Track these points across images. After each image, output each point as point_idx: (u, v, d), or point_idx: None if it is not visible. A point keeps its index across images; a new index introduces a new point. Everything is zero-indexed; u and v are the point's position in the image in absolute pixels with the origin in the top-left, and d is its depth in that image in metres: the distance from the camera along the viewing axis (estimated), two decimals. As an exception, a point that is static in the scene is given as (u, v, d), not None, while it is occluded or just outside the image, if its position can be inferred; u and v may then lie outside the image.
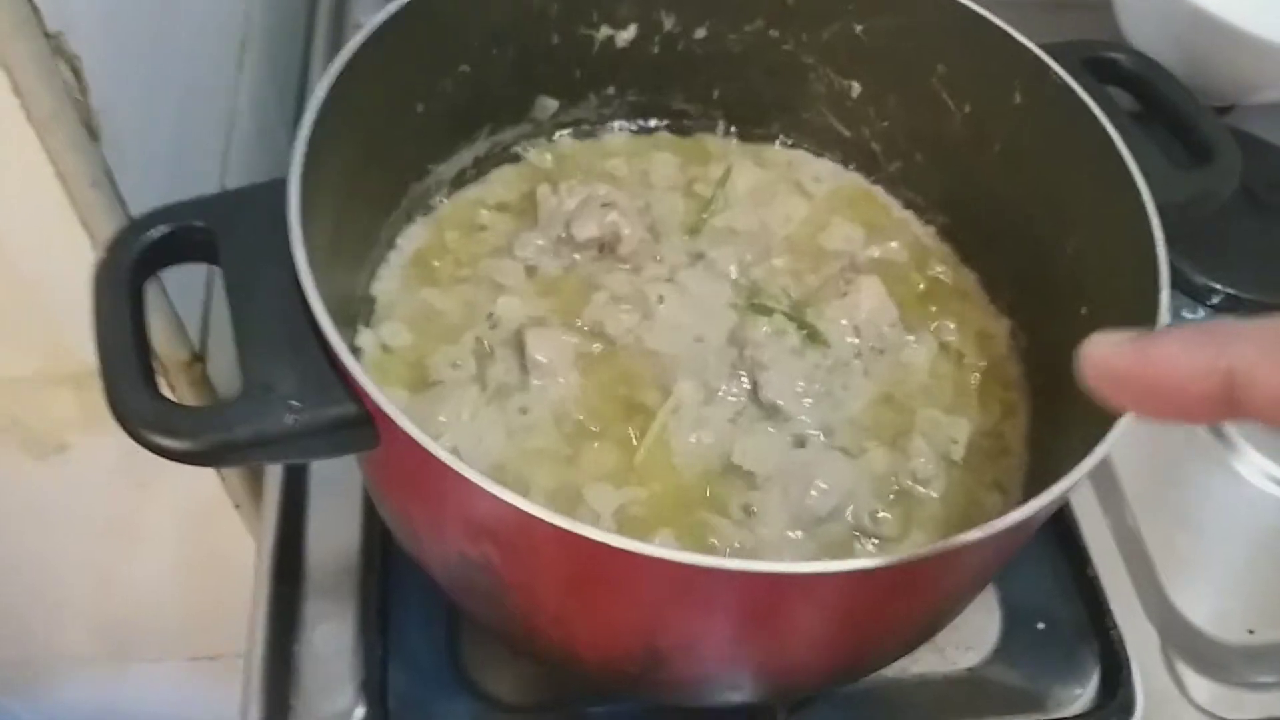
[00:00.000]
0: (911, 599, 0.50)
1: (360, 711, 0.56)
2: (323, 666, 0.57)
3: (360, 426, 0.43)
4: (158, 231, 0.47)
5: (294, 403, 0.43)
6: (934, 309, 0.68)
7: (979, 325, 0.68)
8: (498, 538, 0.43)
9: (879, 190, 0.74)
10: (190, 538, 0.85)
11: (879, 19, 0.66)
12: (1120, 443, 0.76)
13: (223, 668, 1.00)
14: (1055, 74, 0.59)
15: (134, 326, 0.45)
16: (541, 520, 0.38)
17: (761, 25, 0.69)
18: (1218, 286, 0.83)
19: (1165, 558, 0.72)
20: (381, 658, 0.57)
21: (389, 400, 0.42)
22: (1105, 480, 0.75)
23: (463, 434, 0.59)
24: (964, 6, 0.62)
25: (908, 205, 0.73)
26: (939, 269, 0.70)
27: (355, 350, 0.62)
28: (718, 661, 0.47)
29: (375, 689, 0.56)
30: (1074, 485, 0.45)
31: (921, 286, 0.69)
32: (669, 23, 0.69)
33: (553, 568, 0.43)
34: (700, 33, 0.70)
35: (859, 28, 0.67)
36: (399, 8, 0.57)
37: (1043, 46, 0.61)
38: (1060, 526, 0.69)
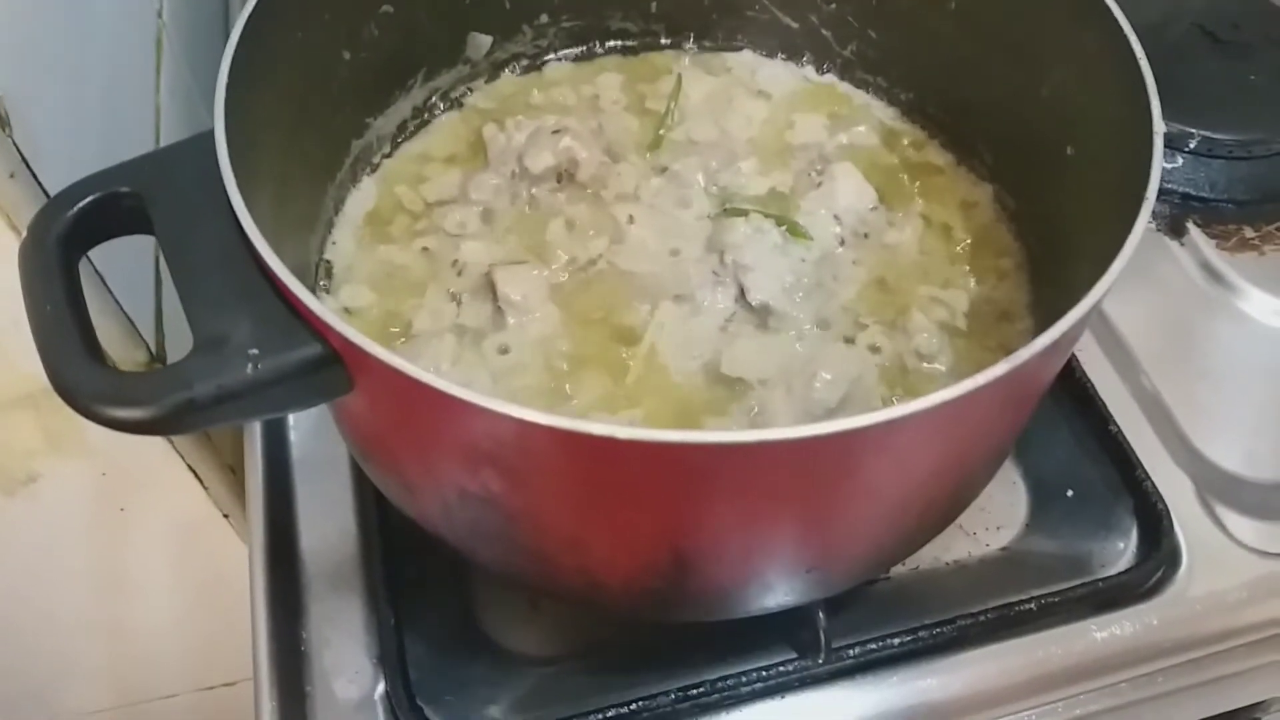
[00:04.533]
0: (934, 455, 0.47)
1: (381, 687, 0.53)
2: (336, 649, 0.54)
3: (329, 368, 0.40)
4: (83, 203, 0.44)
5: (253, 351, 0.40)
6: (913, 186, 0.65)
7: (961, 195, 0.65)
8: (496, 460, 0.40)
9: (836, 80, 0.71)
10: (184, 560, 0.82)
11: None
12: (1124, 305, 0.75)
13: (236, 694, 0.96)
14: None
15: (70, 303, 0.41)
16: (542, 425, 0.36)
17: (689, -77, 0.66)
18: (1193, 131, 0.80)
19: (1185, 408, 0.69)
20: (396, 629, 0.54)
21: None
22: (1113, 344, 0.72)
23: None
24: None
25: (868, 89, 0.70)
26: (910, 146, 0.68)
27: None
28: (745, 556, 0.44)
29: (394, 661, 0.53)
30: (1082, 318, 0.42)
31: (896, 165, 0.67)
32: (593, -66, 0.66)
33: (559, 482, 0.40)
34: (627, -60, 0.67)
35: (787, -94, 0.64)
36: (305, -54, 0.53)
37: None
38: (1075, 390, 0.67)
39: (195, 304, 0.41)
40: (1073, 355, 0.68)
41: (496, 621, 0.57)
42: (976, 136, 0.65)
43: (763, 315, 0.59)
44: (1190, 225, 0.80)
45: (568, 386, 0.56)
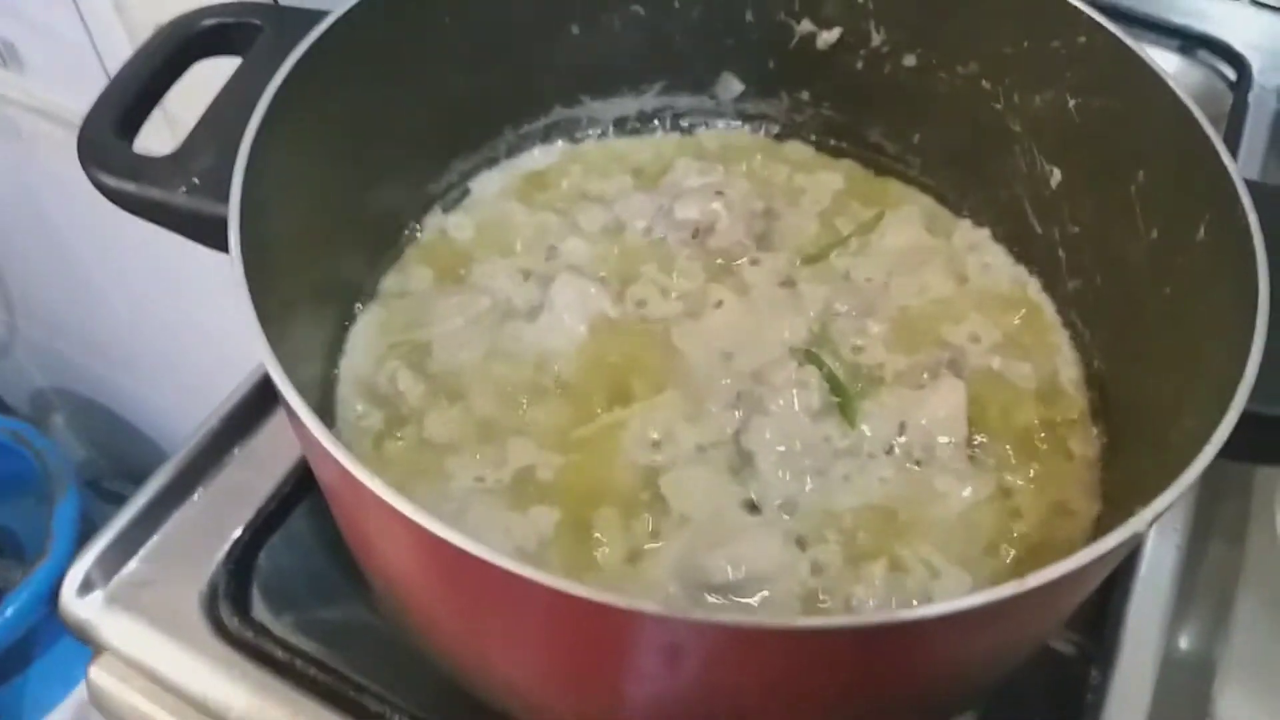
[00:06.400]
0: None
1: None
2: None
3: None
4: (217, 20, 0.51)
5: (195, 180, 0.45)
6: (1020, 451, 0.54)
7: (1065, 497, 0.53)
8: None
9: (1047, 302, 0.60)
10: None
11: (1094, 96, 0.54)
12: None
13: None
14: (1242, 211, 0.44)
15: (151, 88, 0.49)
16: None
17: (975, 70, 0.60)
18: None
19: None
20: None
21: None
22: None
23: (447, 332, 0.58)
24: (1181, 101, 0.48)
25: (1072, 331, 0.59)
26: (1059, 416, 0.56)
27: (417, 226, 0.63)
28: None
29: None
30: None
31: (1027, 426, 0.56)
32: (877, 38, 0.62)
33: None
34: (909, 60, 0.62)
35: (1072, 102, 0.55)
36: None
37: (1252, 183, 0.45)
38: None
39: (206, 118, 0.47)
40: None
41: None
42: (1128, 441, 0.53)
43: (743, 461, 0.53)
44: None
45: (532, 401, 0.55)
